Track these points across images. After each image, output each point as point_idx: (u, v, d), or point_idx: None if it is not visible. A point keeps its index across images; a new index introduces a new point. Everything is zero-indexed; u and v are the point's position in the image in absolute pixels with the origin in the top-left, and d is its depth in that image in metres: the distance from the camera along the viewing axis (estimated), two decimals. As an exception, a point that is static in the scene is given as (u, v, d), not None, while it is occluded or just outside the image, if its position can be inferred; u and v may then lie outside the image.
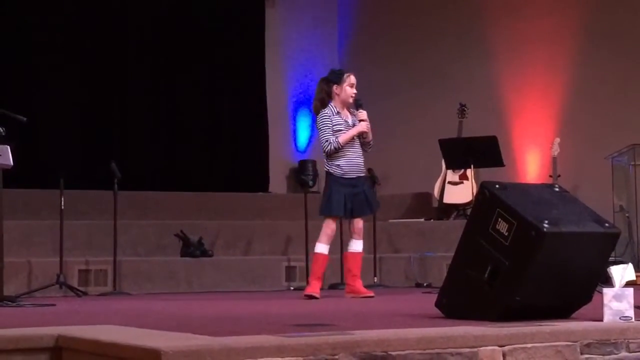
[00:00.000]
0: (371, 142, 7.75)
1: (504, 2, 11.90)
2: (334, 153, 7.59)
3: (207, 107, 12.01)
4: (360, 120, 7.66)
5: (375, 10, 12.96)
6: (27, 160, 9.00)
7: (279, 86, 12.62)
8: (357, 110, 7.71)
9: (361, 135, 7.68)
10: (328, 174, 7.70)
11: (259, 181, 12.18)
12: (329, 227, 7.65)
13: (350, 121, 7.69)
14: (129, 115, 11.54)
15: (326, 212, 7.66)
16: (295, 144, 12.74)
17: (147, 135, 11.59)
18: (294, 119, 12.75)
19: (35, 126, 8.29)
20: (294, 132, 12.74)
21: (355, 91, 7.68)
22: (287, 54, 12.73)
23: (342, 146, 7.57)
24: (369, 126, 7.66)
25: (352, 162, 7.64)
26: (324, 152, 7.65)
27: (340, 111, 7.67)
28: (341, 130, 7.61)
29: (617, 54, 11.10)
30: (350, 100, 7.67)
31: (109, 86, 11.40)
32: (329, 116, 7.62)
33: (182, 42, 11.90)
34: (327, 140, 7.59)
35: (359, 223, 7.75)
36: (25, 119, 7.13)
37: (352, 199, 7.61)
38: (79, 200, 9.75)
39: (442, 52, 12.16)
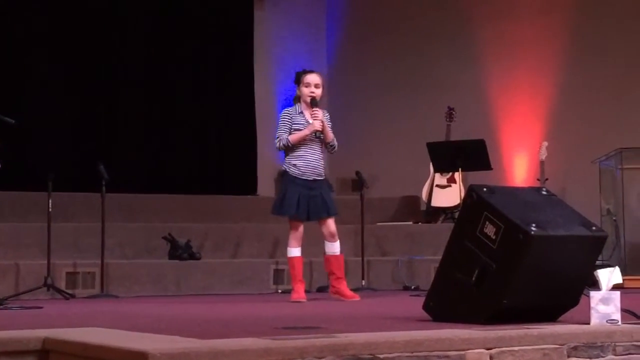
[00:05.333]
0: (332, 143, 7.61)
1: (492, 5, 11.93)
2: (287, 151, 7.54)
3: (195, 110, 11.98)
4: (314, 120, 7.52)
5: (364, 12, 12.97)
6: (15, 162, 8.99)
7: (268, 88, 12.60)
8: (312, 108, 7.56)
9: (320, 136, 7.59)
10: (285, 173, 7.62)
11: (247, 183, 12.15)
12: (295, 229, 7.56)
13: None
14: (117, 118, 11.50)
15: (276, 211, 7.59)
16: (284, 147, 12.72)
17: (135, 137, 11.55)
18: (283, 122, 12.72)
19: (23, 128, 8.25)
20: (283, 134, 12.72)
21: (312, 90, 7.56)
22: (276, 56, 12.71)
23: (291, 144, 7.50)
24: (321, 125, 7.51)
25: (309, 164, 7.54)
26: (276, 148, 7.63)
27: (304, 111, 7.62)
28: (300, 130, 7.55)
29: (605, 58, 11.13)
30: (308, 99, 7.61)
31: (97, 88, 11.36)
32: (290, 114, 7.59)
33: (170, 44, 11.88)
34: (277, 137, 7.56)
35: (330, 226, 7.61)
36: (13, 121, 7.11)
37: (308, 201, 7.49)
38: (66, 202, 9.72)
39: (430, 55, 12.17)
